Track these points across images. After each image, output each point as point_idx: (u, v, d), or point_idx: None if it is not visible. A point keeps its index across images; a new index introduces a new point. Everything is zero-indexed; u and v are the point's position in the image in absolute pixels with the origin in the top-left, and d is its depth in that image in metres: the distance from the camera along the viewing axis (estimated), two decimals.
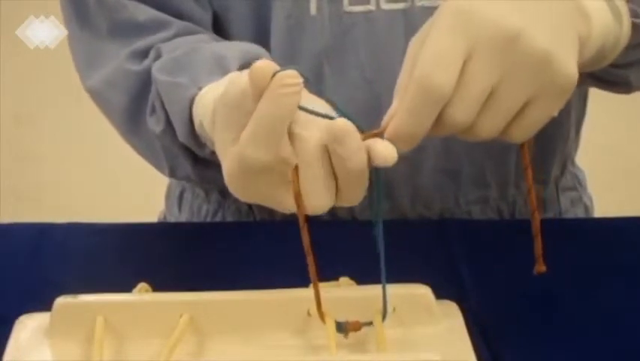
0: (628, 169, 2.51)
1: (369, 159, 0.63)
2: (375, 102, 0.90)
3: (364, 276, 0.77)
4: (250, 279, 0.81)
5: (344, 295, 0.77)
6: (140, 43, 0.88)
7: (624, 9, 0.77)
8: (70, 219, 0.96)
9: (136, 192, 2.19)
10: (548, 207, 1.04)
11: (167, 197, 1.12)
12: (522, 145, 0.69)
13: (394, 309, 0.76)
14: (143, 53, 0.88)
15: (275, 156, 0.63)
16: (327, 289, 0.75)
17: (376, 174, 0.65)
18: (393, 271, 0.71)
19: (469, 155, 0.97)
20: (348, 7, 0.90)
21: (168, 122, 0.84)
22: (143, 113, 0.87)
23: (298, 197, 0.64)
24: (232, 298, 0.77)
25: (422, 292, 0.78)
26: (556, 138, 1.02)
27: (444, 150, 0.95)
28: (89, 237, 0.94)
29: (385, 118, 0.66)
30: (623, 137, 2.62)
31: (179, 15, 0.90)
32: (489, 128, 0.66)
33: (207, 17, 0.92)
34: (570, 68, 0.65)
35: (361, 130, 0.63)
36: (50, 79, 2.51)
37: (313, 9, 0.90)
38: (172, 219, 1.09)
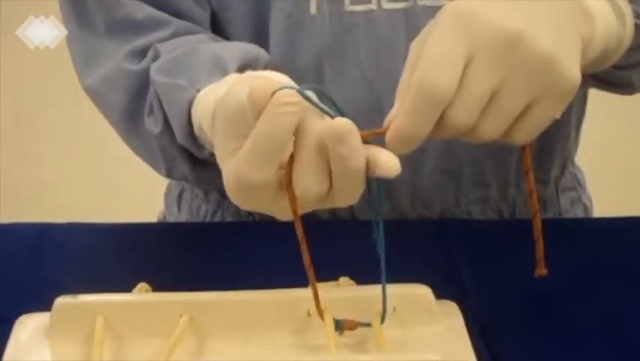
0: (628, 169, 2.51)
1: (371, 168, 0.63)
2: (376, 102, 0.90)
3: (364, 276, 0.77)
4: (250, 279, 0.81)
5: (344, 295, 0.77)
6: (139, 43, 0.88)
7: (627, 10, 0.77)
8: (70, 219, 0.96)
9: (136, 192, 2.18)
10: (548, 208, 1.04)
11: (167, 197, 1.11)
12: (523, 148, 0.69)
13: (394, 309, 0.76)
14: (142, 53, 0.88)
15: (272, 175, 0.63)
16: (327, 289, 0.75)
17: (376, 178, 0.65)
18: (393, 271, 0.70)
19: (470, 155, 0.97)
20: (349, 7, 0.90)
21: (166, 123, 0.84)
22: (142, 112, 0.87)
23: (290, 186, 0.63)
24: (232, 299, 0.77)
25: (422, 292, 0.78)
26: (557, 138, 1.01)
27: (445, 150, 0.95)
28: (89, 237, 0.94)
29: (386, 120, 0.66)
30: (622, 137, 2.62)
31: (177, 14, 0.90)
32: (491, 130, 0.66)
33: (206, 16, 0.92)
34: (573, 70, 0.65)
35: (359, 128, 0.63)
36: (50, 79, 2.51)
37: (313, 8, 0.90)
38: (171, 219, 1.09)
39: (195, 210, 1.05)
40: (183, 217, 1.07)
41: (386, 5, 0.90)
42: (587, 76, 0.80)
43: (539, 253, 0.71)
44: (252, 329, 0.76)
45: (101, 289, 0.77)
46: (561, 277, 0.82)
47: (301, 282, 0.72)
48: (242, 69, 0.81)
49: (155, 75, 0.84)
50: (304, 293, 0.73)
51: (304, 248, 0.67)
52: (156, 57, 0.86)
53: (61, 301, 0.76)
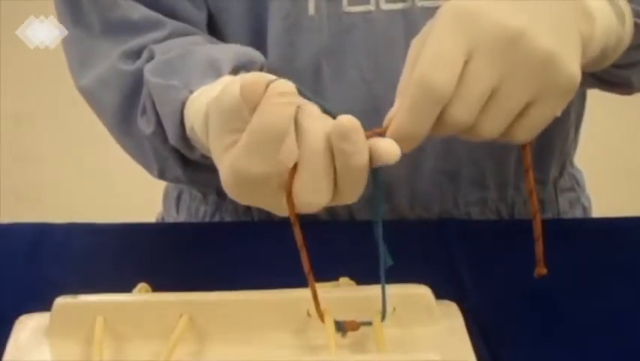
0: (627, 169, 2.51)
1: (372, 158, 0.63)
2: (374, 103, 0.90)
3: (364, 276, 0.77)
4: (249, 279, 0.81)
5: (344, 295, 0.77)
6: (134, 43, 0.88)
7: (627, 9, 0.77)
8: (70, 220, 0.96)
9: (136, 192, 2.18)
10: (547, 208, 1.04)
11: (165, 199, 1.11)
12: (523, 146, 0.69)
13: (394, 309, 0.76)
14: (136, 53, 0.88)
15: (271, 167, 0.62)
16: (327, 290, 0.75)
17: (376, 175, 0.65)
18: (393, 272, 0.70)
19: (469, 155, 0.97)
20: (347, 8, 0.89)
21: (159, 124, 0.84)
22: (135, 113, 0.87)
23: (290, 196, 0.63)
24: (232, 299, 0.77)
25: (422, 292, 0.78)
26: (556, 137, 1.01)
27: (444, 150, 0.95)
28: (89, 237, 0.94)
29: (386, 118, 0.66)
30: (622, 136, 2.62)
31: (173, 14, 0.90)
32: (491, 128, 0.66)
33: (202, 17, 0.91)
34: (573, 69, 0.65)
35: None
36: (50, 79, 2.50)
37: (311, 9, 0.89)
38: (170, 220, 1.09)
39: (194, 211, 1.05)
40: (182, 219, 1.07)
41: (384, 6, 0.90)
42: (586, 75, 0.80)
43: (539, 253, 0.71)
44: (252, 329, 0.76)
45: (100, 289, 0.77)
46: (561, 278, 0.82)
47: (301, 282, 0.72)
48: (236, 71, 0.81)
49: (148, 76, 0.84)
50: (304, 293, 0.73)
51: (304, 256, 0.68)
52: (151, 58, 0.86)
53: (61, 301, 0.76)
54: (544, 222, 0.71)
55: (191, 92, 0.79)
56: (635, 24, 0.78)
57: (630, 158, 2.56)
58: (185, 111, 0.79)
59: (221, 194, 1.02)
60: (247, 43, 0.89)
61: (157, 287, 0.79)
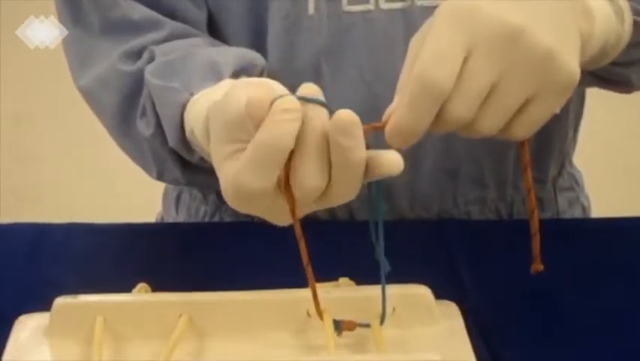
0: (627, 168, 2.51)
1: (372, 170, 0.63)
2: (374, 102, 0.89)
3: (364, 276, 0.77)
4: (249, 279, 0.81)
5: (343, 295, 0.77)
6: (134, 43, 0.88)
7: (626, 7, 0.77)
8: (70, 220, 0.96)
9: (136, 192, 2.18)
10: (546, 208, 1.04)
11: (165, 199, 1.11)
12: (522, 144, 0.69)
13: (394, 309, 0.76)
14: (137, 54, 0.88)
15: (272, 182, 0.62)
16: (327, 290, 0.75)
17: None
18: (392, 272, 0.70)
19: (468, 153, 0.97)
20: (346, 7, 0.90)
21: (158, 126, 0.84)
22: (134, 114, 0.86)
23: (287, 183, 0.63)
24: (231, 299, 0.77)
25: (422, 292, 0.78)
26: (555, 136, 1.01)
27: (443, 147, 0.95)
28: (89, 237, 0.94)
29: (386, 113, 0.66)
30: (621, 136, 2.62)
31: (172, 14, 0.90)
32: (490, 124, 0.66)
33: (202, 17, 0.91)
34: (572, 66, 0.65)
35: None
36: (50, 79, 2.50)
37: (311, 8, 0.89)
38: (169, 220, 1.09)
39: (194, 211, 1.05)
40: (181, 219, 1.07)
41: (384, 5, 0.90)
42: (585, 73, 0.80)
43: (536, 249, 0.71)
44: (251, 329, 0.76)
45: (100, 289, 0.77)
46: (561, 277, 0.82)
47: (301, 282, 0.72)
48: (237, 74, 0.81)
49: (149, 77, 0.84)
50: (304, 293, 0.73)
51: (302, 246, 0.67)
52: (151, 59, 0.86)
53: (60, 301, 0.76)
54: (544, 221, 0.71)
55: (192, 94, 0.79)
56: (635, 22, 0.79)
57: (629, 157, 2.56)
58: (186, 114, 0.79)
59: (220, 195, 1.02)
60: (247, 43, 0.89)
61: (157, 287, 0.79)
